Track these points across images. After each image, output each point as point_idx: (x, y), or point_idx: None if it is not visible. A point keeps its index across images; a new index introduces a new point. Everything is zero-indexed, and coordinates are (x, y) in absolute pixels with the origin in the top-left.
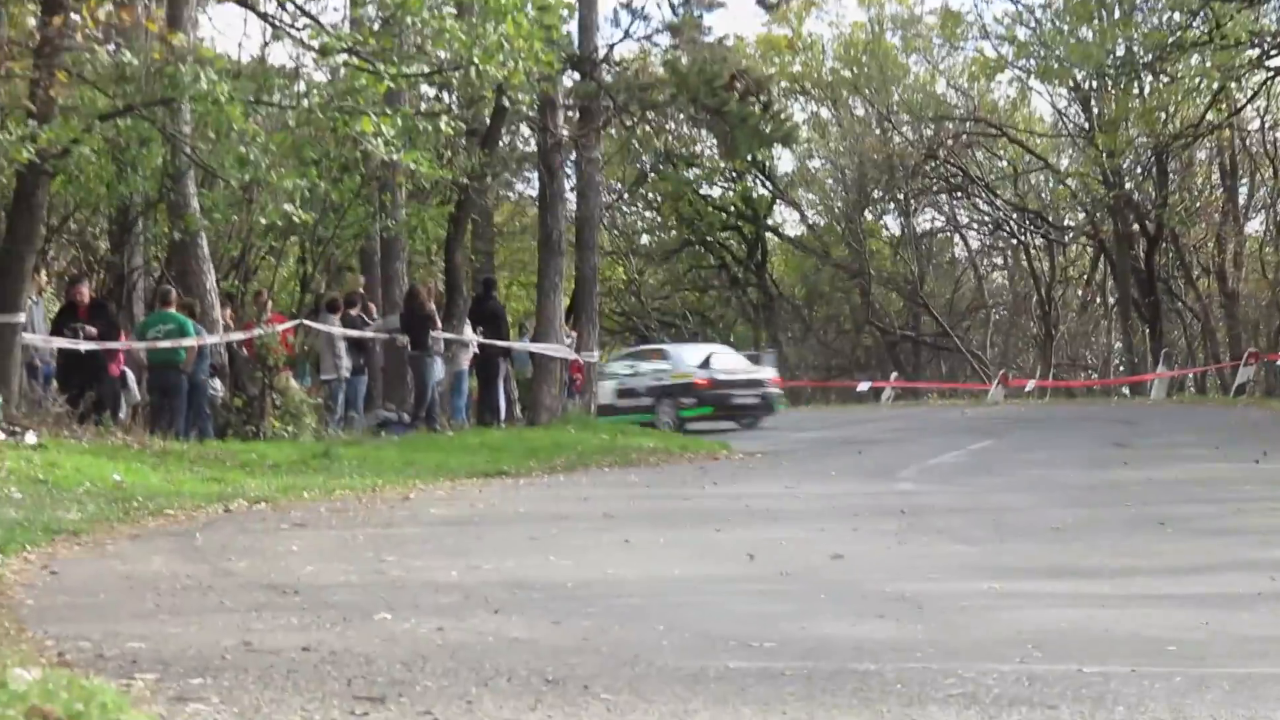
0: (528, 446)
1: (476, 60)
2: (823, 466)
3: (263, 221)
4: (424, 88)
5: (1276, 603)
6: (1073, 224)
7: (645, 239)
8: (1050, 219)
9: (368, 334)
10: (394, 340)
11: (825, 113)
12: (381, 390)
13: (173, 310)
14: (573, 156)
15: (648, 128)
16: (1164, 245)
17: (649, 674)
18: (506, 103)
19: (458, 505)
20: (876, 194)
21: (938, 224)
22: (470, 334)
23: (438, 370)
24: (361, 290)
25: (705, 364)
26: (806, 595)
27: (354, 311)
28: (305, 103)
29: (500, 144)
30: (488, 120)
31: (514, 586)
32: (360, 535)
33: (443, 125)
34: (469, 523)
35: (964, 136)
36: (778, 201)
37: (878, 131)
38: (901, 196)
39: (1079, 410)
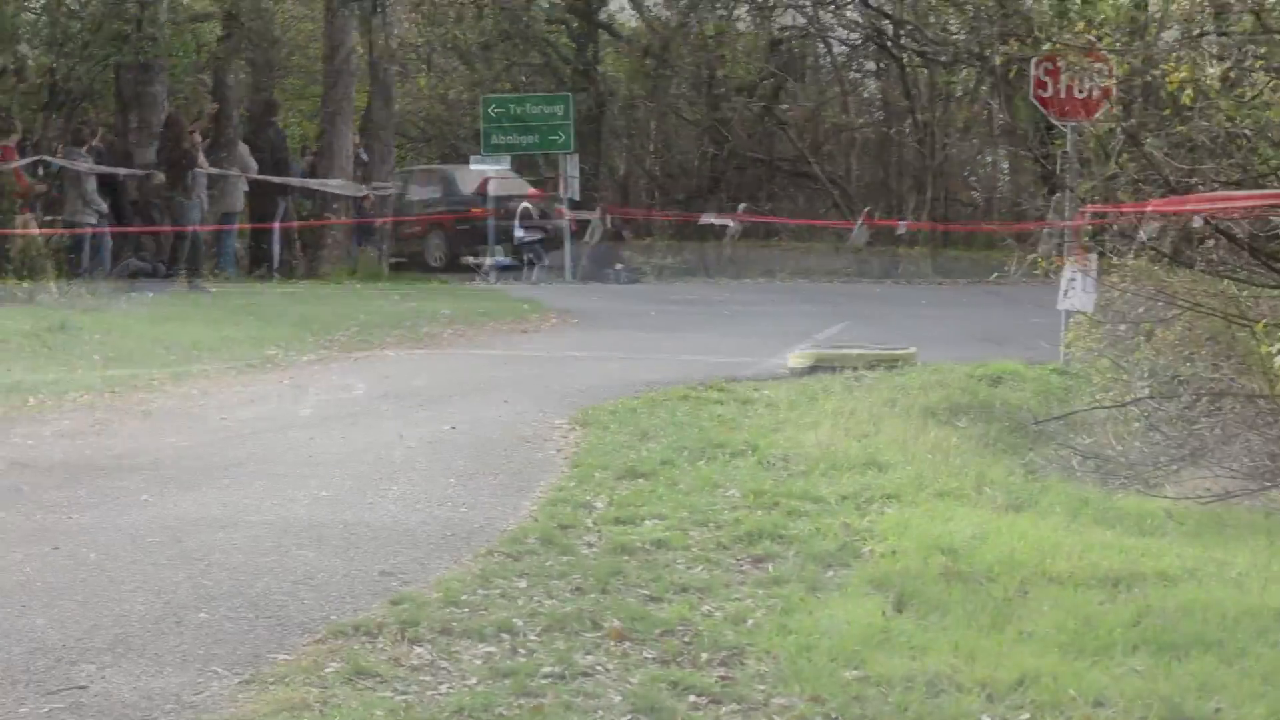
0: (302, 313)
1: None
2: None
3: None
4: None
5: None
6: (959, 36)
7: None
8: (928, 33)
9: (120, 171)
10: (149, 178)
11: None
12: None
13: None
14: None
15: None
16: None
17: None
18: None
19: (203, 430)
20: None
21: (800, 23)
22: (246, 166)
23: (197, 214)
24: (111, 121)
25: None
26: None
27: (95, 143)
28: None
29: None
30: None
31: None
32: (71, 516)
33: None
34: (207, 480)
35: None
36: None
37: None
38: None
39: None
